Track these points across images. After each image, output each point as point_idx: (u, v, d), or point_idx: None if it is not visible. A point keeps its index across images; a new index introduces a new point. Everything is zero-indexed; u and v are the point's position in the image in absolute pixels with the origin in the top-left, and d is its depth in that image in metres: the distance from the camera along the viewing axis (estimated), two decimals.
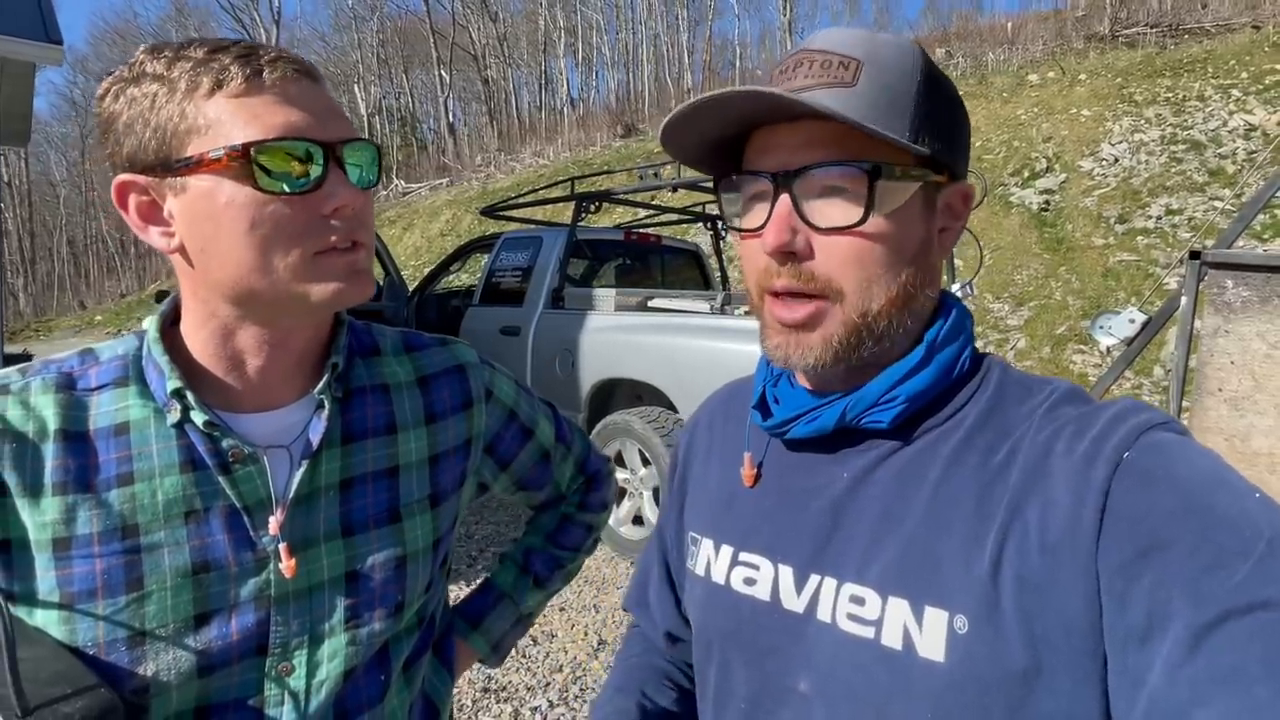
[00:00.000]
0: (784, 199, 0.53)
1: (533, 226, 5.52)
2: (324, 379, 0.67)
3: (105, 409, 0.62)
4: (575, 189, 4.78)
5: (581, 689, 2.63)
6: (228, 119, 0.56)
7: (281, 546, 0.63)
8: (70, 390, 0.62)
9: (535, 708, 2.51)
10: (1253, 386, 2.55)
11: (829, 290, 0.54)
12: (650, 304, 4.01)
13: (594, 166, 14.97)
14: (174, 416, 0.61)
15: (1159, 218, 7.92)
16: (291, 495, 0.64)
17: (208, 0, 31.20)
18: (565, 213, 4.77)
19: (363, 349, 0.75)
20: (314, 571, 0.65)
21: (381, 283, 5.26)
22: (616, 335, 3.84)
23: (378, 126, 32.84)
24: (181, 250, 0.60)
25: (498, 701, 2.54)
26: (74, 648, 0.57)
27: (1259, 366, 2.53)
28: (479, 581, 0.95)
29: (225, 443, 0.62)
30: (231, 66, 0.56)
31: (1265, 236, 7.05)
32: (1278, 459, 2.48)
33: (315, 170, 0.58)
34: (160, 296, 6.30)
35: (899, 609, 0.51)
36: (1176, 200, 8.00)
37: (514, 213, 5.78)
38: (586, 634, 3.02)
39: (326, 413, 0.67)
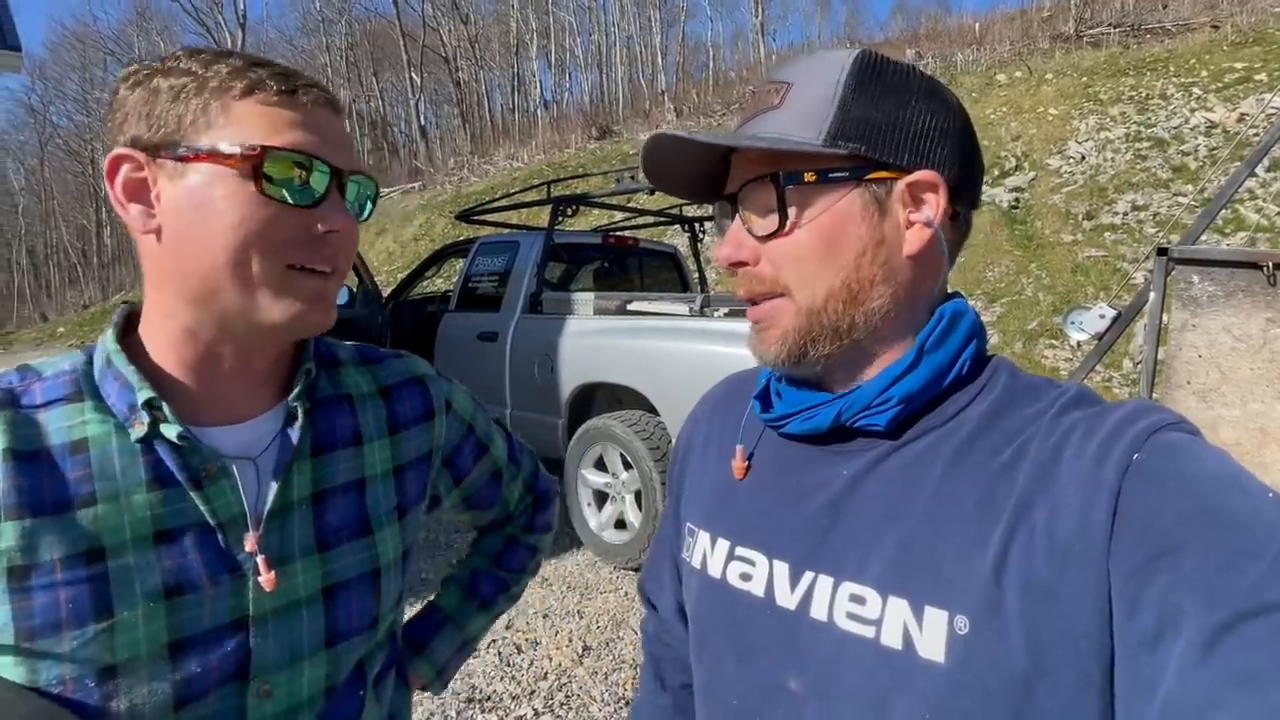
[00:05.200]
0: (737, 217, 0.60)
1: (508, 230, 5.49)
2: (298, 387, 0.66)
3: (58, 425, 0.58)
4: (551, 192, 4.76)
5: (567, 696, 2.61)
6: (251, 121, 0.58)
7: (260, 560, 0.61)
8: (14, 407, 0.58)
9: (520, 717, 2.49)
10: (1219, 379, 2.61)
11: (779, 287, 0.58)
12: (629, 307, 4.00)
13: (569, 169, 14.94)
14: (139, 431, 0.58)
15: (1125, 214, 8.09)
16: (268, 509, 0.63)
17: (170, 3, 30.56)
18: (541, 216, 4.75)
19: (323, 359, 0.74)
20: (291, 588, 0.63)
21: (354, 289, 5.20)
22: (596, 339, 3.83)
23: (348, 130, 32.47)
24: (158, 233, 0.59)
25: (483, 711, 2.51)
26: (37, 688, 0.53)
27: (1225, 359, 2.59)
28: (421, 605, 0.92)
29: (195, 457, 0.60)
30: (269, 80, 0.59)
31: (1227, 231, 7.23)
32: (1244, 449, 2.54)
33: (319, 189, 0.60)
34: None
35: (899, 608, 0.51)
36: (1142, 196, 8.18)
37: (489, 216, 5.75)
38: (571, 640, 3.00)
39: (300, 423, 0.65)
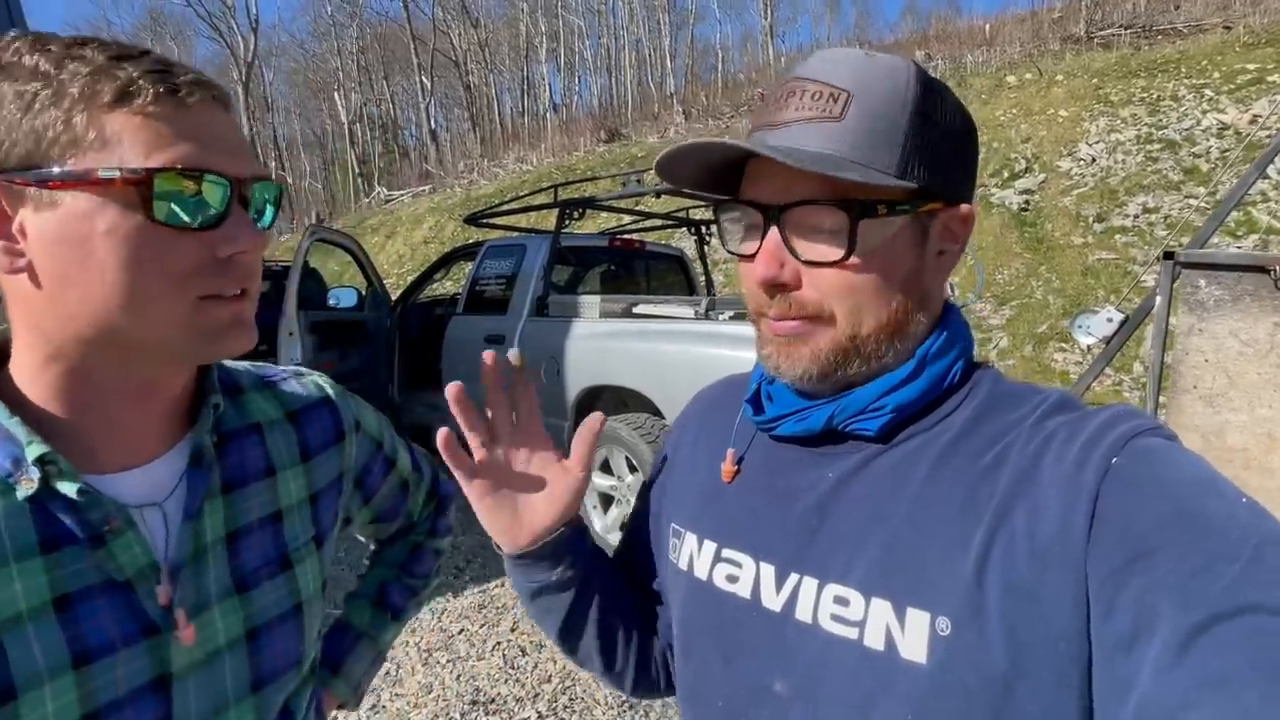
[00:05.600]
0: (773, 232, 0.55)
1: (516, 234, 5.52)
2: (205, 423, 0.60)
3: None
4: (559, 195, 4.79)
5: (571, 699, 2.62)
6: (129, 136, 0.49)
7: (178, 613, 0.56)
8: None
9: (525, 719, 2.50)
10: (1226, 384, 2.59)
11: (820, 314, 0.55)
12: (635, 310, 4.02)
13: (578, 172, 14.98)
14: (27, 489, 0.51)
15: (1136, 216, 8.03)
16: (179, 557, 0.57)
17: (183, 9, 30.94)
18: (549, 219, 4.78)
19: (225, 386, 0.67)
20: (210, 638, 0.59)
21: (364, 293, 5.23)
22: (601, 342, 3.85)
23: (359, 134, 32.72)
24: (29, 272, 0.50)
25: (486, 714, 2.53)
26: None
27: (1232, 364, 2.58)
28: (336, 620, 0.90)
29: (96, 511, 0.53)
30: (141, 80, 0.49)
31: (1239, 234, 7.16)
32: (1251, 455, 2.52)
33: (218, 207, 0.52)
34: None
35: (882, 610, 0.51)
36: (1153, 199, 8.12)
37: (498, 220, 5.78)
38: None
39: (206, 461, 0.60)
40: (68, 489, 0.52)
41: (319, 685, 0.81)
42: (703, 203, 5.15)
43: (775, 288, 0.55)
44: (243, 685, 0.61)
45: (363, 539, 0.94)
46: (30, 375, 0.54)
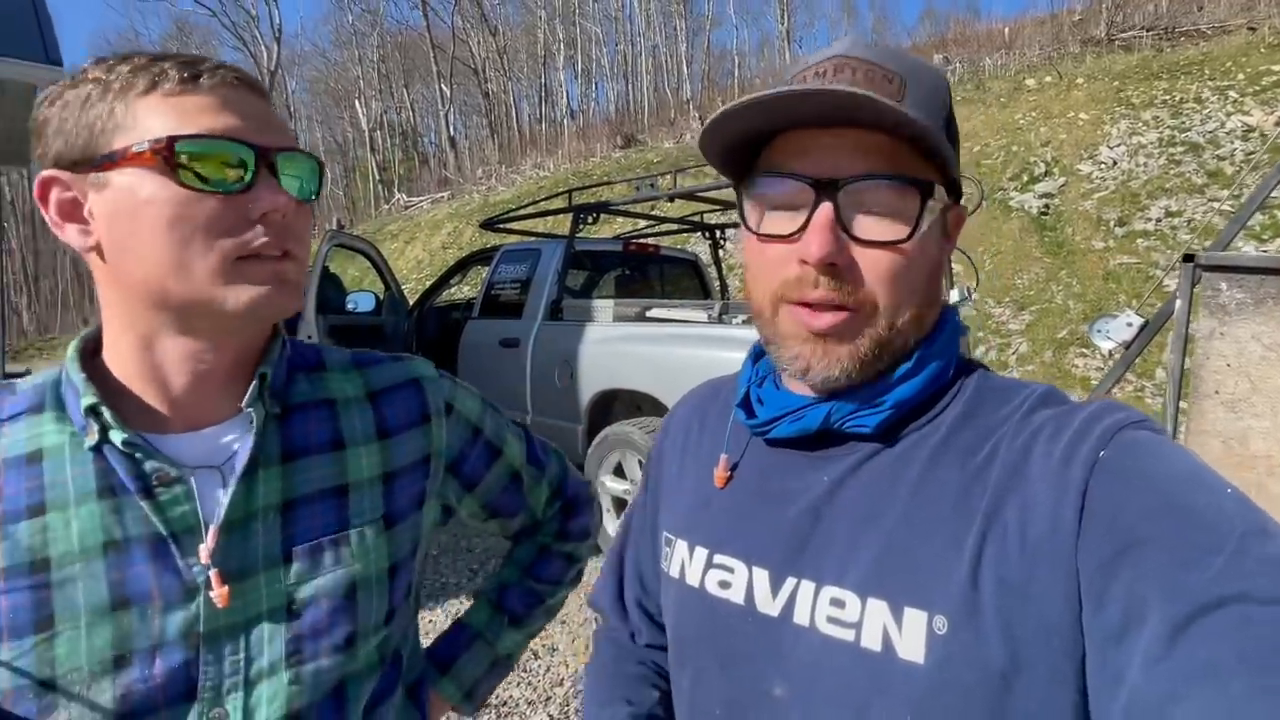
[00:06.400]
0: (825, 207, 0.52)
1: (532, 238, 5.55)
2: (251, 390, 0.63)
3: (17, 438, 0.59)
4: (573, 200, 4.82)
5: (582, 703, 2.62)
6: (156, 116, 0.56)
7: (212, 573, 0.58)
8: None
9: None
10: (1249, 389, 2.55)
11: (863, 304, 0.54)
12: (648, 314, 4.02)
13: (594, 178, 15.02)
14: (92, 439, 0.57)
15: (1158, 220, 7.91)
16: (223, 519, 0.60)
17: (209, 19, 31.55)
18: (565, 224, 4.80)
19: (306, 364, 0.71)
20: (250, 603, 0.60)
21: (381, 297, 5.28)
22: (615, 346, 3.86)
23: (379, 141, 33.07)
24: (98, 249, 0.58)
25: (499, 717, 2.53)
26: None
27: (1255, 369, 2.53)
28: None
29: (149, 465, 0.58)
30: (170, 70, 0.57)
31: (1265, 237, 7.04)
32: (1276, 461, 2.47)
33: (244, 172, 0.57)
34: None
35: (878, 610, 0.51)
36: (1175, 202, 8.00)
37: (514, 225, 5.82)
38: (588, 647, 3.01)
39: (255, 428, 0.62)
40: (116, 438, 0.57)
41: (429, 684, 0.80)
42: (718, 207, 5.15)
43: (830, 267, 0.52)
44: (278, 656, 0.61)
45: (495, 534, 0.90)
46: (111, 346, 0.62)
